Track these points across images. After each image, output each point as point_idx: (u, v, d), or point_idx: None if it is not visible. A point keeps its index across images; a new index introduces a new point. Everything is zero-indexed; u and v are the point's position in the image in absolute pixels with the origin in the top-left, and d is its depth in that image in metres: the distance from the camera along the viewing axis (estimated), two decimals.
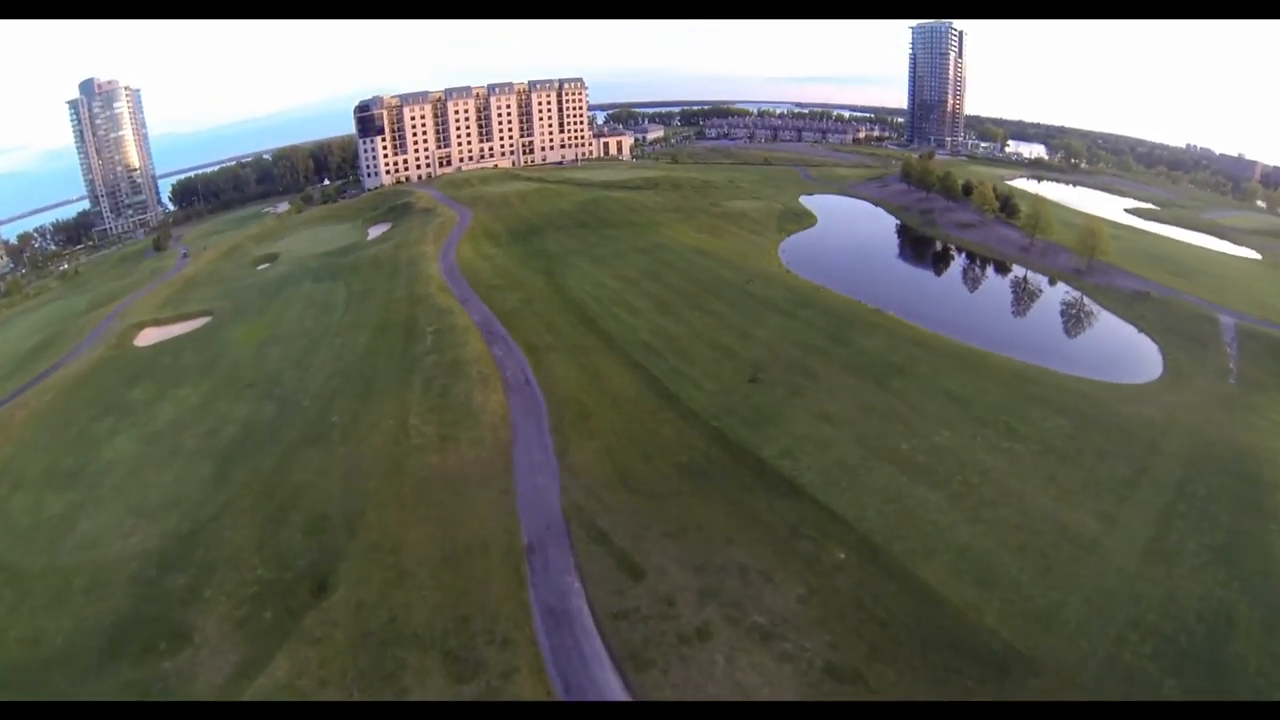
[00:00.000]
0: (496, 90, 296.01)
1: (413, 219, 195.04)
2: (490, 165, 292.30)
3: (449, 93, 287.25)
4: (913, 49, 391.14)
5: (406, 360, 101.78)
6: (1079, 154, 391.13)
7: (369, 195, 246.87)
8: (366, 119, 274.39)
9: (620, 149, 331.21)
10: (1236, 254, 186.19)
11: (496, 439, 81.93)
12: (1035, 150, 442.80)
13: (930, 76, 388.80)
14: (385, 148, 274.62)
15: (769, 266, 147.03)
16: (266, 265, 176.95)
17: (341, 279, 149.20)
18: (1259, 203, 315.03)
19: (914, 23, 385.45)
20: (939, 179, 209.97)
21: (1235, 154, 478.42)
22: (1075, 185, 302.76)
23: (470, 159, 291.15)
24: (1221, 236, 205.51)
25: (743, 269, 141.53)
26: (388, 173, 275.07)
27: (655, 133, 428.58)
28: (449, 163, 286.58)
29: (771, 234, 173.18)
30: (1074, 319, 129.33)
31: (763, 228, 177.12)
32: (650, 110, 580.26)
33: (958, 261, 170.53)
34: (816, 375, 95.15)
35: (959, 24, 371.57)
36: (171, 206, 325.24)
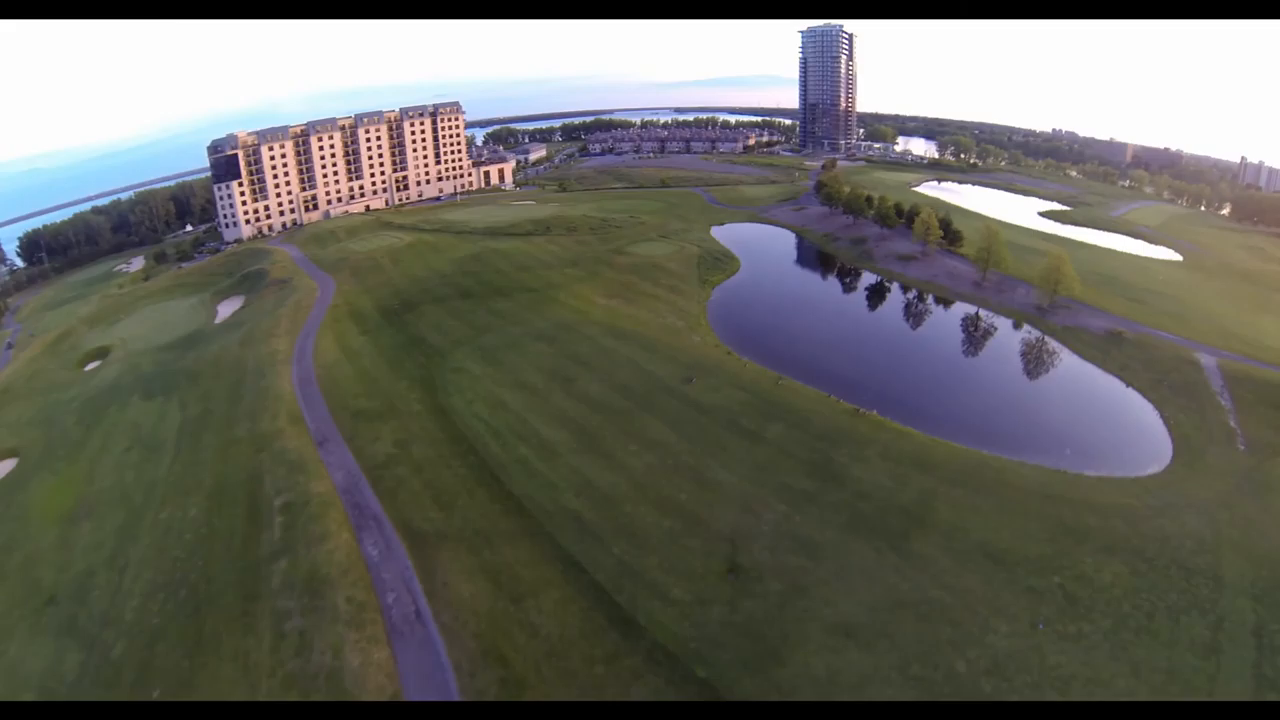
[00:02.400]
0: (364, 120, 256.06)
1: (266, 294, 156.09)
2: (361, 207, 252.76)
3: (311, 126, 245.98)
4: (803, 52, 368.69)
5: (248, 571, 69.59)
6: (969, 149, 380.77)
7: (222, 256, 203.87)
8: (220, 161, 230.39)
9: (503, 177, 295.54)
10: (1161, 257, 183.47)
11: None
12: (925, 147, 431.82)
13: (821, 79, 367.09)
14: (243, 193, 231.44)
15: (704, 346, 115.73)
16: (96, 364, 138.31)
17: (176, 394, 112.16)
18: (1146, 189, 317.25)
19: (803, 25, 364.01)
20: (868, 203, 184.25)
21: (1106, 138, 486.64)
22: (978, 185, 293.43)
23: (339, 199, 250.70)
24: (1137, 236, 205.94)
25: (674, 356, 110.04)
26: (248, 222, 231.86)
27: (537, 153, 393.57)
28: (315, 206, 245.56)
29: (694, 290, 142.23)
30: (1057, 378, 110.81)
31: (682, 282, 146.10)
32: (530, 126, 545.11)
33: (907, 305, 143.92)
34: (816, 548, 67.75)
35: (849, 25, 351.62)
36: (20, 263, 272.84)
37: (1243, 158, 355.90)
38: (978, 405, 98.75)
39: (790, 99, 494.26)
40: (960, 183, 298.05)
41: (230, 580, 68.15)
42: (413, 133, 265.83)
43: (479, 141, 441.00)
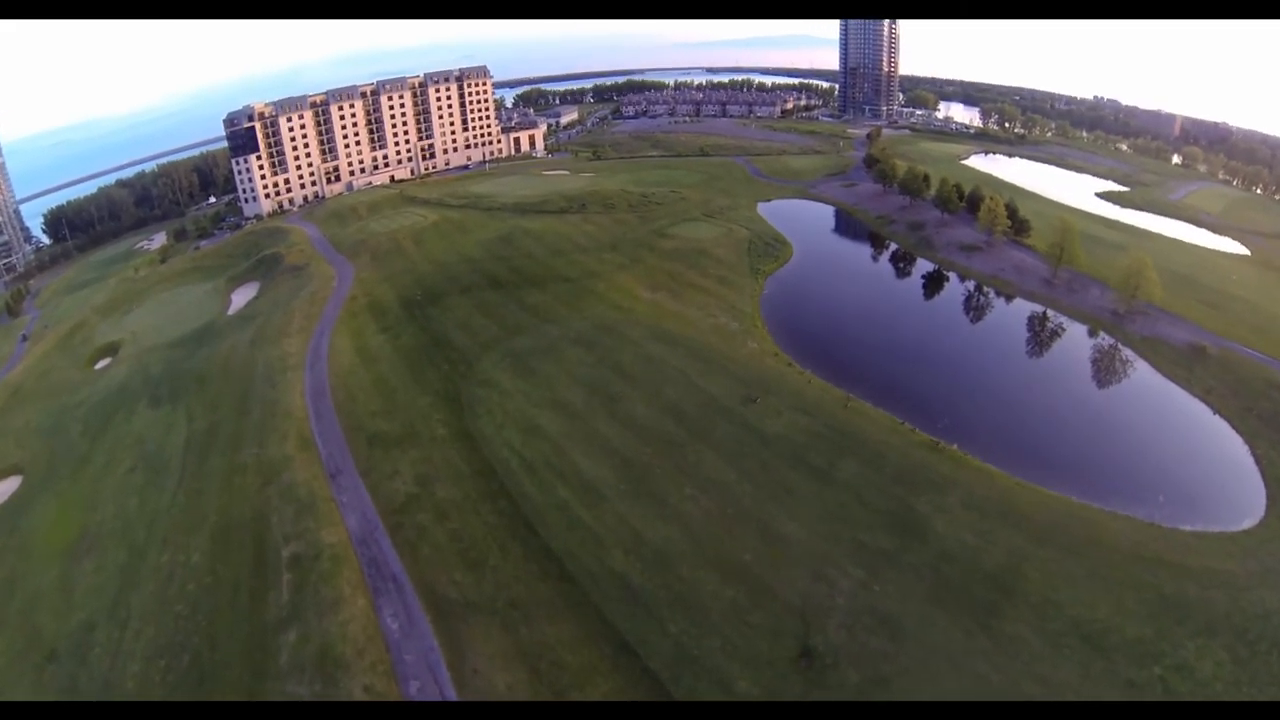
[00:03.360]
0: (387, 87, 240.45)
1: (281, 282, 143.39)
2: (385, 178, 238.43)
3: (331, 95, 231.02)
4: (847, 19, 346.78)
5: (254, 639, 59.65)
6: (1013, 118, 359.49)
7: (239, 236, 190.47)
8: (237, 135, 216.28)
9: (533, 143, 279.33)
10: (1228, 250, 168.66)
11: None
12: (966, 114, 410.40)
13: (863, 42, 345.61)
14: (262, 167, 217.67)
15: (762, 355, 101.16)
16: (107, 362, 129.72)
17: (183, 401, 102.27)
18: (1201, 167, 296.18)
19: None
20: (926, 182, 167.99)
21: (1150, 108, 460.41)
22: (1027, 159, 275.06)
23: (362, 170, 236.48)
24: (1199, 225, 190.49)
25: (730, 369, 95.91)
26: (267, 196, 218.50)
27: (569, 115, 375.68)
28: (337, 177, 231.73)
29: (745, 282, 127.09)
30: (1140, 401, 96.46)
31: (732, 272, 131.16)
32: (560, 87, 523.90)
33: (974, 303, 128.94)
34: (898, 626, 56.84)
35: None
36: (46, 240, 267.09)
37: None
38: (1058, 432, 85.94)
39: (824, 59, 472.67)
40: (1009, 155, 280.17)
41: (235, 650, 58.38)
42: (438, 99, 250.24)
43: (508, 103, 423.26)
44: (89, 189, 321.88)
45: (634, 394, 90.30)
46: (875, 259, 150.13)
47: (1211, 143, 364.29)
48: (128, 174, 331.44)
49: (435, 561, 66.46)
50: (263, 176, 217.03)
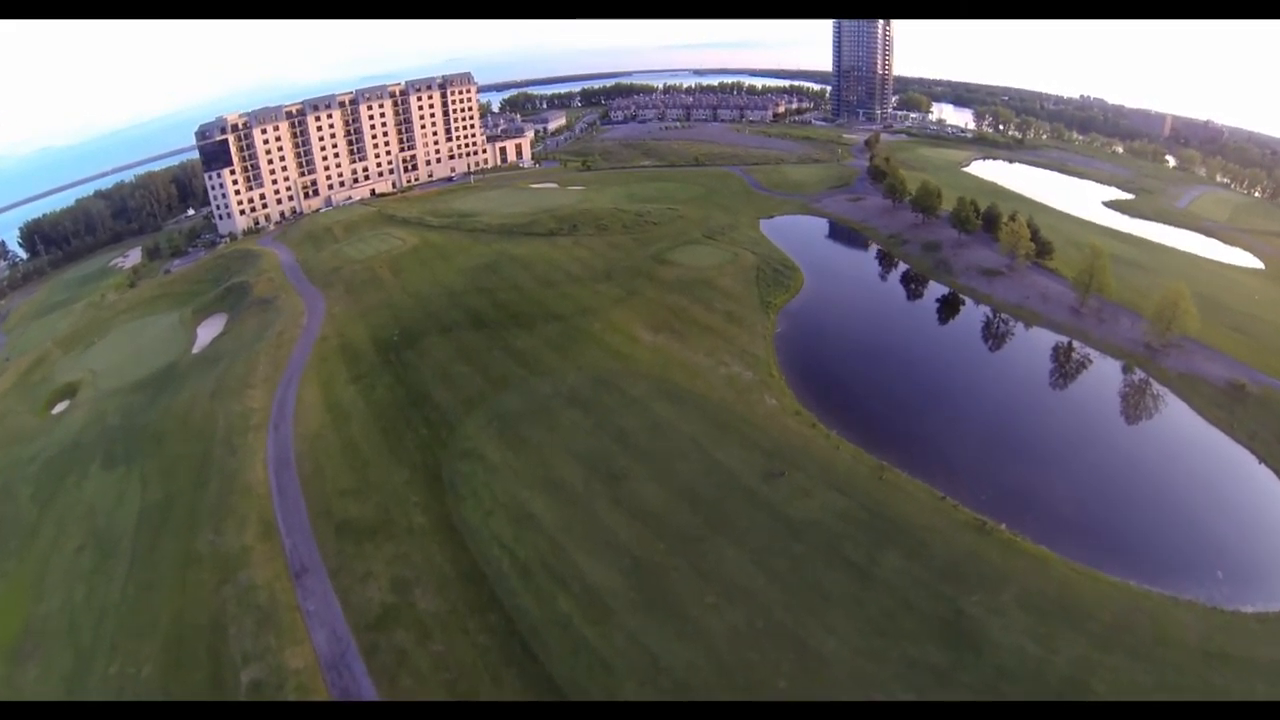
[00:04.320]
0: (366, 96, 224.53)
1: (248, 318, 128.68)
2: (366, 191, 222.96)
3: (308, 104, 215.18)
4: (838, 20, 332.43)
5: None
6: (1008, 120, 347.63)
7: (210, 259, 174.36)
8: (209, 148, 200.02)
9: (520, 153, 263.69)
10: (1241, 263, 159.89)
11: None
12: (959, 116, 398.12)
13: (857, 43, 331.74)
14: (236, 182, 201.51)
15: (782, 414, 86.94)
16: (65, 406, 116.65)
17: (138, 464, 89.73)
18: (1199, 170, 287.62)
19: None
20: (938, 196, 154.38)
21: (1135, 106, 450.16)
22: (1028, 165, 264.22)
23: (341, 184, 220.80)
24: (1209, 235, 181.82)
25: (748, 433, 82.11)
26: (243, 212, 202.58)
27: (556, 121, 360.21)
28: (315, 192, 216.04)
29: (755, 318, 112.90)
30: (1184, 450, 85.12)
31: (740, 305, 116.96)
32: (547, 91, 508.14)
33: (999, 336, 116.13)
34: None
35: None
36: (23, 254, 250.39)
37: None
38: (1104, 495, 74.67)
39: (812, 60, 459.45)
40: (1009, 161, 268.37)
41: None
42: (420, 107, 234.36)
43: (495, 108, 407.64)
44: (70, 196, 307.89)
45: (641, 471, 76.35)
46: (890, 285, 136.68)
47: (1202, 142, 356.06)
48: (106, 184, 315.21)
49: (418, 696, 53.71)
50: (237, 192, 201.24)
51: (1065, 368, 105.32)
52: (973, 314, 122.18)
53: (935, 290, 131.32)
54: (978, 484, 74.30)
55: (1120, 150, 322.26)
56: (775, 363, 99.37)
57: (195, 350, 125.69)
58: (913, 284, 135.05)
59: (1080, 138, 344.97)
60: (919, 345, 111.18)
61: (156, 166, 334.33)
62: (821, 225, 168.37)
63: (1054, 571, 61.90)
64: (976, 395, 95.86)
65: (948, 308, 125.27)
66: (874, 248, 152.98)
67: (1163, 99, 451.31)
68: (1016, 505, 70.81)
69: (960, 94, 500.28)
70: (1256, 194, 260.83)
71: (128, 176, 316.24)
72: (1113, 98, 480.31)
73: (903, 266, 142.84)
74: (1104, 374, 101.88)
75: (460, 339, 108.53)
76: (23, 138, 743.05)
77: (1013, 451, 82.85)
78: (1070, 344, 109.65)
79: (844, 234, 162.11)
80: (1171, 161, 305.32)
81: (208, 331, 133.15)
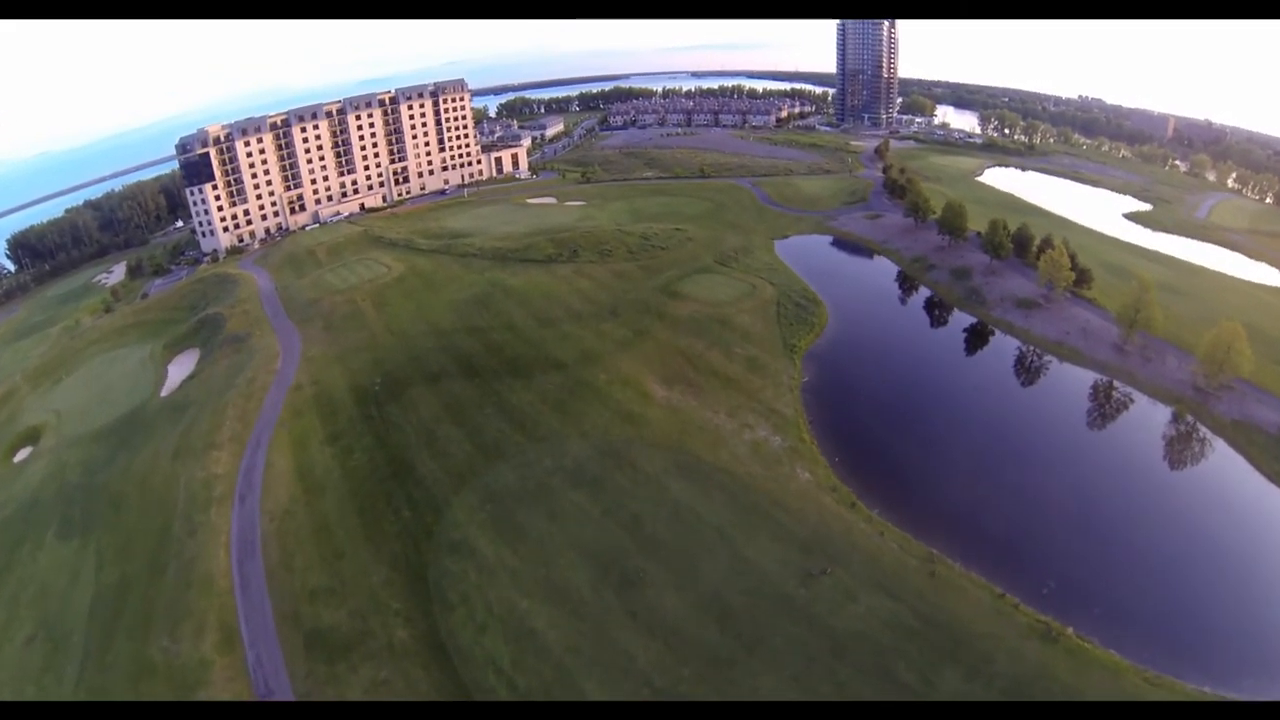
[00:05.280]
0: (354, 105, 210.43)
1: (220, 357, 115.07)
2: (355, 206, 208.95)
3: (293, 114, 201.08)
4: (842, 22, 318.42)
5: None
6: (1014, 124, 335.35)
7: (186, 284, 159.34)
8: (191, 162, 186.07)
9: (516, 163, 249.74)
10: (1270, 281, 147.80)
11: None
12: (961, 119, 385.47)
13: (861, 46, 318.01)
14: (219, 198, 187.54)
15: (817, 491, 73.72)
16: (27, 453, 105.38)
17: (94, 536, 78.36)
18: (1209, 175, 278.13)
19: None
20: (962, 216, 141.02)
21: (1133, 106, 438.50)
22: (1041, 173, 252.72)
23: (329, 199, 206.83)
24: (1234, 248, 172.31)
25: (780, 519, 69.13)
26: (226, 230, 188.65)
27: (554, 127, 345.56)
28: (302, 207, 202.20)
29: (779, 364, 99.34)
30: (1248, 517, 73.02)
31: (762, 351, 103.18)
32: (545, 95, 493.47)
33: (1041, 380, 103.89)
34: None
35: None
36: (10, 266, 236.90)
37: None
38: (1168, 574, 64.92)
39: (811, 62, 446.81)
40: (1022, 169, 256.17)
41: None
42: (411, 117, 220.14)
43: (491, 113, 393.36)
44: (61, 204, 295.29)
45: (659, 573, 63.37)
46: (921, 320, 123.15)
47: (1206, 144, 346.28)
48: (96, 194, 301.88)
49: None
50: (220, 208, 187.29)
51: (1113, 417, 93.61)
52: (1011, 352, 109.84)
53: (967, 323, 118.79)
54: (1037, 569, 64.16)
55: (1129, 155, 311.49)
56: (805, 423, 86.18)
57: (164, 393, 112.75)
58: (945, 318, 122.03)
59: (1087, 141, 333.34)
60: (957, 394, 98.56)
61: (151, 174, 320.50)
62: (839, 247, 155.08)
63: (1126, 683, 52.16)
64: (1024, 454, 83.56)
65: (984, 345, 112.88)
66: (897, 272, 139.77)
67: (1159, 98, 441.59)
68: (1080, 595, 61.06)
69: (960, 95, 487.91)
70: (1269, 200, 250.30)
71: (126, 182, 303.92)
72: (1111, 98, 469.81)
73: (930, 293, 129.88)
74: (1154, 423, 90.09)
75: (448, 391, 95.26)
76: (22, 141, 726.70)
77: (1068, 524, 70.95)
78: (1116, 387, 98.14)
79: (864, 257, 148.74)
80: (1182, 167, 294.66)
81: (178, 370, 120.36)
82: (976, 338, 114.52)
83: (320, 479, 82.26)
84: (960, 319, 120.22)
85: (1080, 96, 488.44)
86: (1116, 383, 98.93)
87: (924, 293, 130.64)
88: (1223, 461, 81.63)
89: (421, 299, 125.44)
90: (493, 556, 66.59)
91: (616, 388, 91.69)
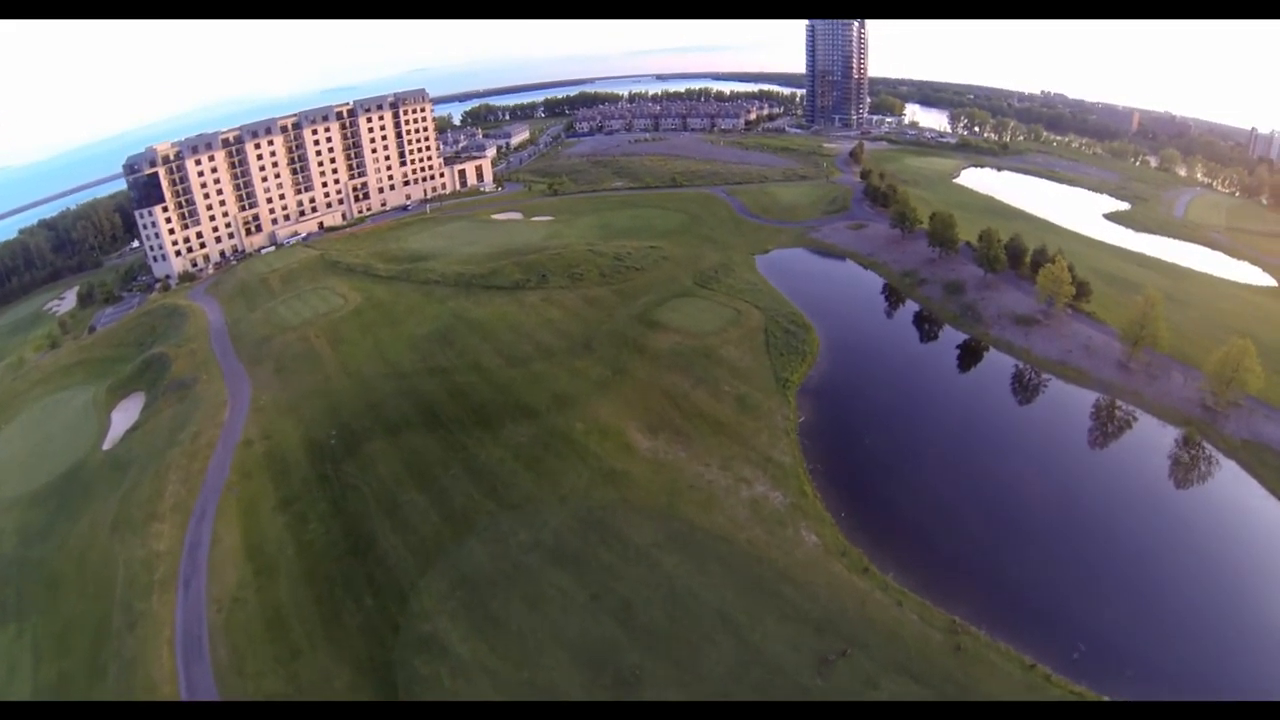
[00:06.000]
0: (310, 120, 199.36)
1: (163, 405, 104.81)
2: (314, 225, 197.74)
3: (246, 130, 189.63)
4: (811, 22, 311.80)
5: None
6: (984, 122, 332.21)
7: (135, 316, 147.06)
8: (139, 183, 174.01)
9: (480, 175, 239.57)
10: (1254, 281, 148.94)
11: None
12: (928, 116, 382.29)
13: (831, 46, 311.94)
14: (170, 220, 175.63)
15: (827, 557, 65.46)
16: None
17: (31, 623, 70.38)
18: (1179, 170, 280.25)
19: None
20: (949, 225, 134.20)
21: (1095, 100, 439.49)
22: (1016, 173, 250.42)
23: (286, 218, 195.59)
24: (1214, 247, 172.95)
25: (789, 595, 60.94)
26: (178, 254, 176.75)
27: (520, 135, 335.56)
28: (258, 228, 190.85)
29: (774, 404, 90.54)
30: (1265, 550, 68.49)
31: (753, 387, 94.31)
32: (510, 101, 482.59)
33: (1047, 405, 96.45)
34: None
35: None
36: None
37: (1253, 129, 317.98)
38: (1204, 625, 58.75)
39: (777, 63, 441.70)
40: (997, 169, 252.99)
41: None
42: (370, 130, 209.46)
43: (456, 120, 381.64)
44: (12, 227, 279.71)
45: (658, 669, 55.16)
46: (915, 342, 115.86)
47: (1171, 137, 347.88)
48: (50, 213, 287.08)
49: None
50: (171, 231, 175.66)
51: (1126, 445, 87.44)
52: (1014, 376, 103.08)
53: (966, 344, 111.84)
54: (1066, 628, 58.42)
55: (1100, 151, 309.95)
56: (805, 473, 78.10)
57: (106, 445, 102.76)
58: (941, 339, 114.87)
59: (1057, 138, 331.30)
60: (962, 426, 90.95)
61: (108, 190, 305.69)
62: (824, 261, 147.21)
63: None
64: (1037, 494, 76.28)
65: (985, 369, 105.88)
66: (887, 288, 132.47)
67: (1119, 93, 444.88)
68: (1114, 657, 55.62)
69: (926, 94, 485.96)
70: (1238, 194, 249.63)
71: (83, 200, 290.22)
72: (1073, 93, 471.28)
73: (924, 311, 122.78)
74: (1167, 449, 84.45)
75: (410, 445, 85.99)
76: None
77: (1090, 570, 65.21)
78: (1125, 410, 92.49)
79: (850, 272, 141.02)
80: (1152, 162, 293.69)
81: (122, 418, 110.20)
82: (977, 361, 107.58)
83: (272, 557, 72.89)
84: (957, 339, 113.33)
85: (1043, 92, 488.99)
86: (1125, 404, 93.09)
87: (917, 310, 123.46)
88: (1238, 489, 76.83)
89: (379, 335, 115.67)
90: (468, 655, 57.75)
91: (595, 439, 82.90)
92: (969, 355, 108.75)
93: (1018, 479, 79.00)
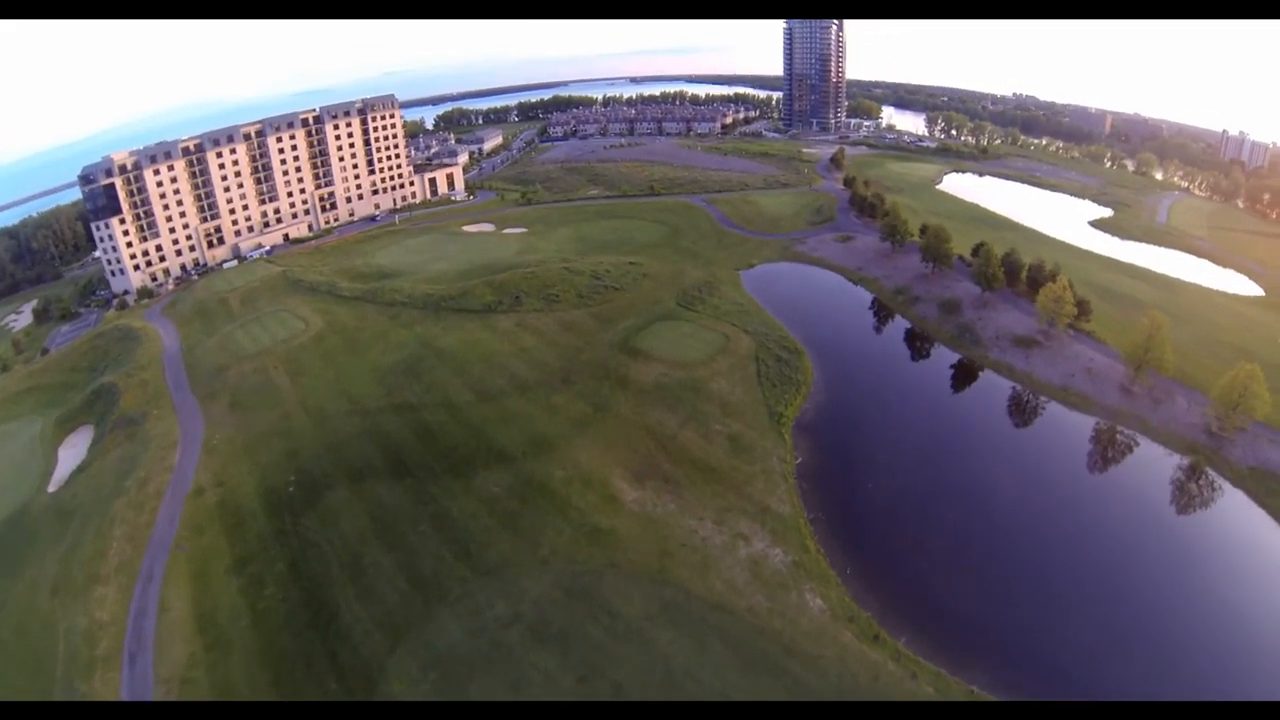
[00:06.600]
0: (274, 128, 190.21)
1: (110, 444, 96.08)
2: (278, 236, 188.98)
3: (207, 138, 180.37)
4: (788, 24, 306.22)
5: None
6: (962, 126, 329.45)
7: (87, 339, 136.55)
8: (95, 194, 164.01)
9: (451, 183, 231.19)
10: (1241, 290, 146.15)
11: None
12: (903, 119, 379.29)
13: (809, 49, 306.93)
14: (127, 233, 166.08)
15: (835, 625, 59.17)
16: None
17: None
18: (1156, 174, 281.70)
19: None
20: (942, 238, 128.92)
21: (1066, 102, 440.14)
22: (998, 178, 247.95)
23: (250, 230, 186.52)
24: (1199, 255, 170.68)
25: (796, 674, 54.68)
26: (136, 268, 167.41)
27: (492, 140, 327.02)
28: (221, 240, 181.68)
29: (769, 445, 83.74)
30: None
31: (746, 426, 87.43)
32: (483, 105, 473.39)
33: (1055, 436, 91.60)
34: None
35: None
36: None
37: (1224, 131, 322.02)
38: (1227, 682, 54.80)
39: (751, 65, 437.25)
40: (979, 174, 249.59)
41: None
42: (338, 137, 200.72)
43: (428, 125, 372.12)
44: None
45: None
46: (914, 368, 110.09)
47: (1143, 139, 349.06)
48: (12, 220, 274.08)
49: None
50: (129, 244, 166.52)
51: (1133, 477, 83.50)
52: (1014, 401, 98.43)
53: (965, 368, 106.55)
54: (1084, 683, 54.81)
55: (1077, 155, 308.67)
56: (806, 524, 71.88)
57: (51, 487, 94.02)
58: (939, 362, 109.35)
59: (1035, 142, 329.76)
60: (966, 462, 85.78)
61: (71, 197, 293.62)
62: (811, 276, 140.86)
63: None
64: (1046, 533, 72.16)
65: (984, 395, 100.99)
66: (879, 306, 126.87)
67: (1089, 94, 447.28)
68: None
69: (901, 96, 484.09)
70: (1215, 197, 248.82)
71: (45, 207, 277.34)
72: (1044, 95, 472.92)
73: (919, 331, 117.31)
74: (1173, 479, 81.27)
75: (374, 496, 78.59)
76: None
77: (1109, 619, 61.21)
78: (1130, 437, 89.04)
79: (840, 288, 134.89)
80: (1129, 165, 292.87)
81: (69, 455, 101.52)
82: (977, 386, 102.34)
83: (225, 629, 65.33)
84: (953, 362, 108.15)
85: (1015, 94, 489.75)
86: (1130, 431, 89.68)
87: (911, 330, 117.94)
88: (1245, 519, 74.10)
89: (342, 365, 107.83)
90: None
91: (576, 489, 75.97)
92: (969, 381, 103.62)
93: (1025, 520, 74.32)
